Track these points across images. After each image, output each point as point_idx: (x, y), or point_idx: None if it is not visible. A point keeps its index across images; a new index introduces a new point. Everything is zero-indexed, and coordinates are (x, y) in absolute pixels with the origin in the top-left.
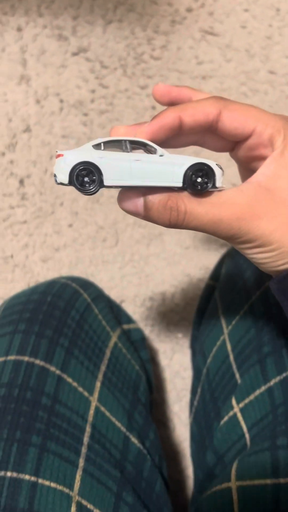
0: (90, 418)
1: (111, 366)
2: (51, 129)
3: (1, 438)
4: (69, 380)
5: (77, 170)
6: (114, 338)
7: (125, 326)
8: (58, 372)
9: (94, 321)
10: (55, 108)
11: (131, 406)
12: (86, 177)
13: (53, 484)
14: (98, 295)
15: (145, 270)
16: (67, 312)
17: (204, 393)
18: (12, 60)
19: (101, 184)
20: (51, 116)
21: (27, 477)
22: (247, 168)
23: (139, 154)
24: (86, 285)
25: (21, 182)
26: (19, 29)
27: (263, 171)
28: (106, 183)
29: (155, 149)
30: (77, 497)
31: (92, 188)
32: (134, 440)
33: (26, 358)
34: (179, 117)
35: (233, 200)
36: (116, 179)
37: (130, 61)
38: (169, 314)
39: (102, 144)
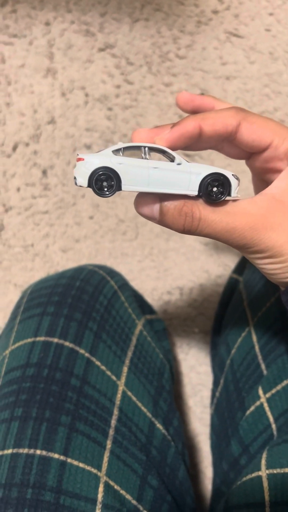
0: (118, 401)
1: (137, 352)
2: (76, 121)
3: (30, 417)
4: (98, 363)
5: (97, 175)
6: (139, 326)
7: (148, 316)
8: (87, 354)
9: (121, 307)
10: (80, 101)
11: (156, 392)
12: (105, 182)
13: (81, 464)
14: (124, 284)
15: (164, 265)
16: (96, 297)
17: (228, 383)
18: (39, 53)
19: (118, 189)
20: (75, 109)
21: (56, 456)
22: (261, 178)
23: (157, 162)
24: (112, 273)
25: (44, 172)
26: (47, 24)
27: (277, 184)
28: (124, 188)
29: (174, 157)
30: (104, 478)
31: (109, 192)
32: (159, 426)
33: (55, 340)
34: (199, 126)
35: (247, 210)
36: (134, 185)
37: (155, 59)
38: (186, 309)
39: (121, 149)
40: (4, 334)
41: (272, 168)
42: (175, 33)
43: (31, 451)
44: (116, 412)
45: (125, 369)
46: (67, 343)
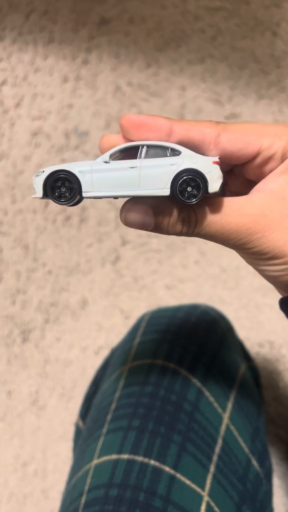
0: (222, 432)
1: (241, 392)
2: None
3: (146, 429)
4: (207, 394)
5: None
6: (242, 369)
7: (248, 363)
8: (198, 384)
9: (229, 349)
10: None
11: (254, 431)
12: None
13: (187, 481)
14: (230, 328)
15: (258, 317)
16: (209, 334)
17: None
18: (171, 114)
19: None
20: None
21: (167, 468)
22: (252, 182)
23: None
24: (221, 315)
25: None
26: (182, 89)
27: (274, 179)
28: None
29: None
30: (207, 497)
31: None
32: (254, 462)
33: (172, 365)
34: (171, 126)
35: (243, 210)
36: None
37: None
38: (274, 363)
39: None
40: (121, 351)
41: (269, 171)
42: None
43: (146, 460)
44: (220, 441)
45: (229, 405)
46: (182, 370)
